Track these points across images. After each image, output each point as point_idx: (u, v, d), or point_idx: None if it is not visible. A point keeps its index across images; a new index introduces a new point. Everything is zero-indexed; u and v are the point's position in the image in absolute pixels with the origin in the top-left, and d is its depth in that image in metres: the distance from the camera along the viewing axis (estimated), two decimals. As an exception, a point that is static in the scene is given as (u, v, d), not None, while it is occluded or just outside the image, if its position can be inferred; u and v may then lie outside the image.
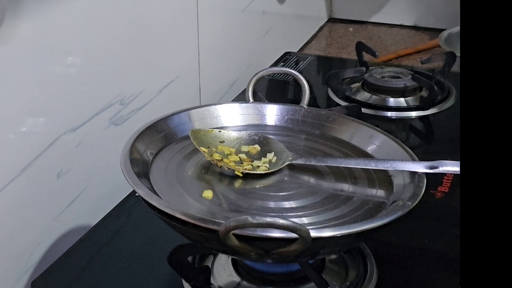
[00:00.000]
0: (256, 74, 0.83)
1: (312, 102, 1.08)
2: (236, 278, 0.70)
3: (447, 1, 1.50)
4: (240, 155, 0.73)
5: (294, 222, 0.54)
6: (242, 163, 0.71)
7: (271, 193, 0.67)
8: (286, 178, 0.70)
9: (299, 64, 1.29)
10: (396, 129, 1.07)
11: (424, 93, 1.12)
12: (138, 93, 0.92)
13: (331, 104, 1.11)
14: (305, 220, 0.63)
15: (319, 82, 1.24)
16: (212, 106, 0.80)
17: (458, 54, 1.18)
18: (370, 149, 0.75)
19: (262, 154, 0.73)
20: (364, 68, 1.18)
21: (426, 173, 0.66)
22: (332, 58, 1.42)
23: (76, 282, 0.72)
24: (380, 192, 0.68)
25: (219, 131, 0.75)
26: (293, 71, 0.84)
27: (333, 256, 0.73)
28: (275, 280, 0.70)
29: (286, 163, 0.71)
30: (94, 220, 0.82)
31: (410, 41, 1.52)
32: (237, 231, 0.55)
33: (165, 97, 0.98)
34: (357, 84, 1.17)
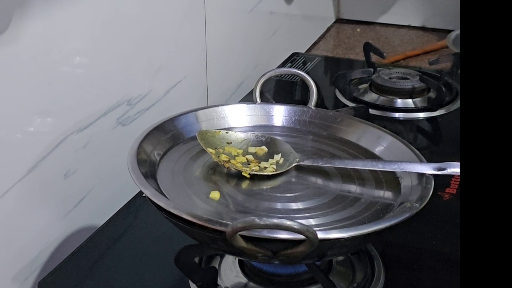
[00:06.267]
0: (263, 74, 0.83)
1: (320, 103, 1.08)
2: (243, 279, 0.70)
3: (455, 2, 1.49)
4: (247, 156, 0.72)
5: (301, 223, 0.54)
6: (249, 164, 0.71)
7: (278, 194, 0.67)
8: (293, 179, 0.70)
9: (307, 65, 1.29)
10: (404, 130, 1.07)
11: (432, 94, 1.12)
12: (146, 94, 0.92)
13: (338, 105, 1.11)
14: (312, 221, 0.63)
15: (327, 83, 1.24)
16: (219, 106, 0.80)
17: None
18: (377, 150, 0.75)
19: (269, 155, 0.73)
20: (371, 69, 1.18)
21: (434, 175, 0.66)
22: (340, 59, 1.42)
23: (82, 282, 0.72)
24: (387, 194, 0.68)
25: (226, 132, 0.75)
26: (300, 72, 0.83)
27: (340, 258, 0.73)
28: (282, 282, 0.70)
29: (294, 164, 0.71)
30: (101, 221, 0.82)
31: (418, 42, 1.52)
32: (244, 232, 0.55)
33: (172, 98, 0.98)
34: (365, 85, 1.17)
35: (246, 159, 0.72)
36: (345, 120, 0.80)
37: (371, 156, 0.75)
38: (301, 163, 0.71)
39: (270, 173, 0.70)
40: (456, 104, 1.10)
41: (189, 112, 0.77)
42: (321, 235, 0.55)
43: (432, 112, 1.08)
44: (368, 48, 1.22)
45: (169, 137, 0.74)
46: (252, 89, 0.83)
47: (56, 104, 0.76)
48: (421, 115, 1.09)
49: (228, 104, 0.80)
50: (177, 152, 0.73)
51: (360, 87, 1.17)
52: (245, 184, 0.69)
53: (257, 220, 0.53)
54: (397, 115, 1.09)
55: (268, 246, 0.57)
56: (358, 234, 0.57)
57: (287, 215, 0.64)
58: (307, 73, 0.84)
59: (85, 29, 0.79)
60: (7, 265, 0.74)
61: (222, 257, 0.73)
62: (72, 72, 0.79)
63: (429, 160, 0.69)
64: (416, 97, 1.11)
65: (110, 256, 0.76)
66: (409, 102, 1.11)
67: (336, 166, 0.71)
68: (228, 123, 0.79)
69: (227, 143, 0.74)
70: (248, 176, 0.69)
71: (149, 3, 0.91)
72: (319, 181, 0.70)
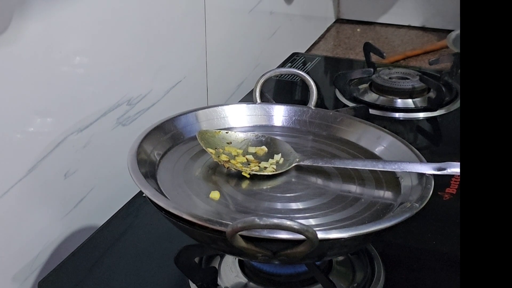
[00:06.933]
0: (263, 74, 0.83)
1: (320, 103, 1.08)
2: (243, 279, 0.70)
3: (455, 2, 1.49)
4: (247, 156, 0.72)
5: (301, 223, 0.54)
6: (249, 164, 0.71)
7: (278, 194, 0.67)
8: (293, 180, 0.70)
9: (307, 65, 1.29)
10: (404, 130, 1.07)
11: (432, 94, 1.12)
12: (146, 94, 0.92)
13: (338, 105, 1.11)
14: (312, 221, 0.63)
15: (327, 83, 1.24)
16: (219, 106, 0.80)
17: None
18: (377, 150, 0.75)
19: (269, 155, 0.73)
20: (371, 69, 1.18)
21: (434, 175, 0.66)
22: (340, 59, 1.42)
23: (82, 282, 0.72)
24: (387, 194, 0.68)
25: (226, 132, 0.75)
26: (300, 72, 0.83)
27: (340, 258, 0.73)
28: (282, 282, 0.70)
29: (294, 164, 0.71)
30: (101, 221, 0.82)
31: (418, 42, 1.52)
32: (244, 232, 0.55)
33: (172, 98, 0.98)
34: (365, 85, 1.17)
35: (246, 159, 0.72)
36: (345, 120, 0.80)
37: (371, 156, 0.75)
38: (301, 163, 0.71)
39: (270, 173, 0.70)
40: (456, 104, 1.10)
41: (189, 112, 0.77)
42: (321, 235, 0.55)
43: (432, 112, 1.08)
44: (368, 48, 1.22)
45: (169, 137, 0.74)
46: (252, 89, 0.83)
47: (56, 104, 0.76)
48: (421, 115, 1.09)
49: (228, 104, 0.80)
50: (177, 152, 0.73)
51: (360, 87, 1.17)
52: (245, 184, 0.69)
53: (257, 220, 0.53)
54: (397, 115, 1.09)
55: (268, 246, 0.57)
56: (358, 234, 0.57)
57: (287, 215, 0.64)
58: (307, 73, 0.84)
59: (85, 29, 0.79)
60: (7, 265, 0.74)
61: (222, 257, 0.73)
62: (72, 72, 0.79)
63: (429, 160, 0.69)
64: (416, 97, 1.11)
65: (110, 256, 0.76)
66: (409, 102, 1.11)
67: (336, 166, 0.71)
68: (228, 123, 0.79)
69: (227, 143, 0.74)
70: (248, 176, 0.69)
71: (149, 3, 0.91)
72: (319, 181, 0.70)
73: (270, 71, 0.84)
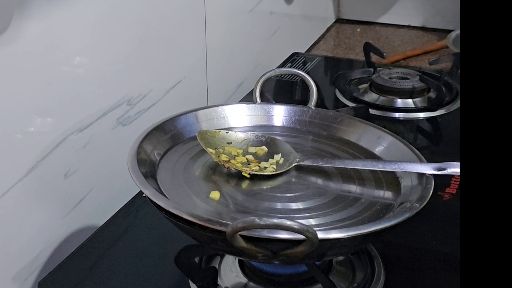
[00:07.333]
0: (263, 74, 0.83)
1: (320, 103, 1.08)
2: (243, 279, 0.70)
3: (455, 1, 1.49)
4: (248, 156, 0.72)
5: (301, 223, 0.54)
6: (249, 164, 0.71)
7: (278, 194, 0.67)
8: (293, 179, 0.70)
9: (307, 65, 1.29)
10: (404, 130, 1.07)
11: (432, 94, 1.12)
12: (146, 94, 0.92)
13: (338, 105, 1.11)
14: (312, 221, 0.63)
15: (327, 83, 1.24)
16: (220, 106, 0.80)
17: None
18: (377, 150, 0.75)
19: (269, 155, 0.73)
20: (371, 69, 1.18)
21: (434, 175, 0.66)
22: (340, 59, 1.42)
23: (82, 282, 0.72)
24: (387, 194, 0.68)
25: (227, 132, 0.75)
26: (300, 72, 0.83)
27: (340, 258, 0.73)
28: (282, 282, 0.70)
29: (294, 164, 0.71)
30: (101, 221, 0.82)
31: (418, 42, 1.52)
32: (244, 232, 0.55)
33: (172, 98, 0.98)
34: (365, 85, 1.17)
35: (246, 159, 0.72)
36: (345, 120, 0.80)
37: (371, 156, 0.75)
38: (301, 163, 0.71)
39: (270, 173, 0.70)
40: (456, 104, 1.10)
41: (189, 112, 0.77)
42: (321, 235, 0.55)
43: (432, 112, 1.08)
44: (368, 48, 1.22)
45: (169, 137, 0.74)
46: (252, 89, 0.83)
47: (56, 104, 0.76)
48: (421, 115, 1.09)
49: (228, 104, 0.80)
50: (177, 152, 0.73)
51: (360, 87, 1.17)
52: (245, 184, 0.69)
53: (257, 220, 0.53)
54: (397, 115, 1.09)
55: (268, 246, 0.57)
56: (358, 234, 0.57)
57: (287, 215, 0.64)
58: (307, 73, 0.84)
59: (85, 29, 0.79)
60: (7, 265, 0.74)
61: (222, 257, 0.73)
62: (72, 72, 0.79)
63: (429, 160, 0.69)
64: (416, 97, 1.11)
65: (110, 256, 0.76)
66: (409, 102, 1.11)
67: (336, 166, 0.71)
68: (228, 123, 0.79)
69: (227, 143, 0.74)
70: (248, 176, 0.69)
71: (149, 3, 0.91)
72: (319, 181, 0.70)
73: (270, 71, 0.84)
